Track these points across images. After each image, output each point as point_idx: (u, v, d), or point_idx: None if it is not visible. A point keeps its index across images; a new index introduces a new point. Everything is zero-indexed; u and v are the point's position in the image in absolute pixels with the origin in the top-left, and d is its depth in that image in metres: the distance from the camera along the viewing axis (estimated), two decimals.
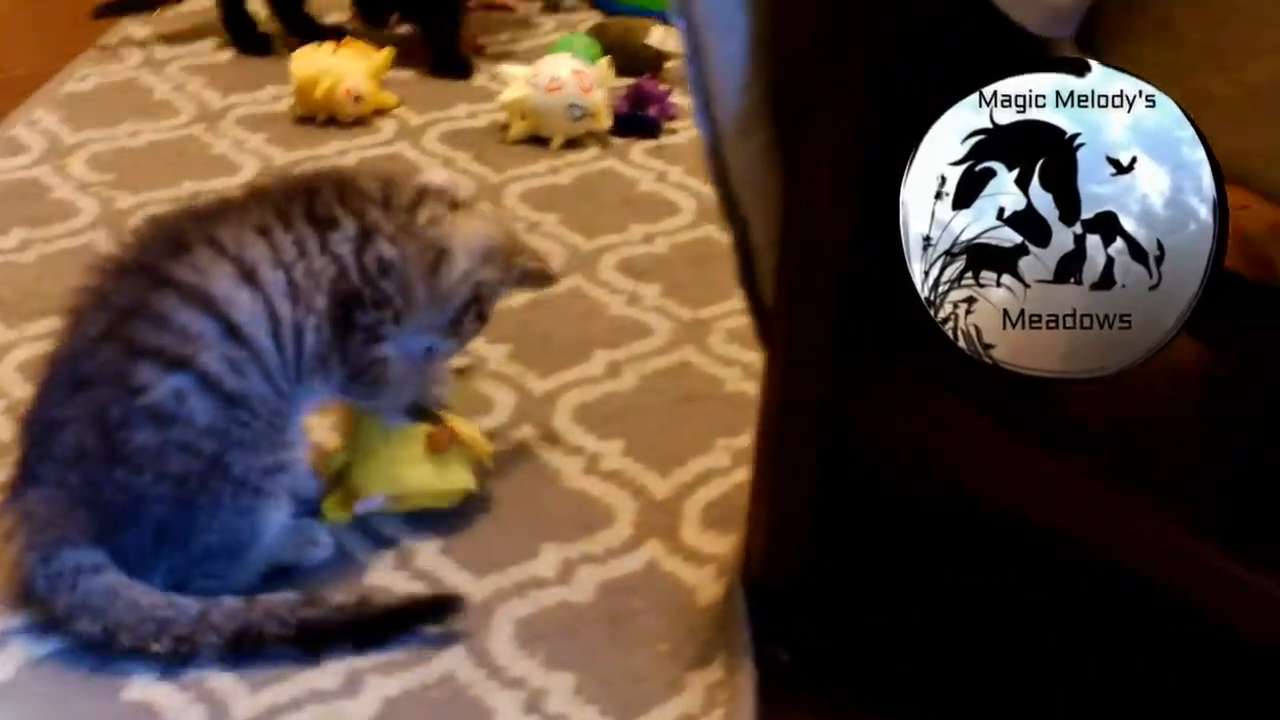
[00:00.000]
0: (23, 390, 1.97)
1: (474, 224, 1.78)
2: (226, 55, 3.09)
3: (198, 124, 2.80)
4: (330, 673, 1.57)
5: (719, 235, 2.42)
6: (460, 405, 1.90)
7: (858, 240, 1.45)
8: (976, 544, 1.71)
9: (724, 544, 1.77)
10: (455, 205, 1.78)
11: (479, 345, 2.12)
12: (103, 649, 1.58)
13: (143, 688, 1.55)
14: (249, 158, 2.68)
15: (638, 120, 2.82)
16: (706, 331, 2.21)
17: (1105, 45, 1.30)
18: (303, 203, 1.68)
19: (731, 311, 2.22)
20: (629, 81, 2.90)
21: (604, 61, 2.84)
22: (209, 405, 1.58)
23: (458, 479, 1.80)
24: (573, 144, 2.77)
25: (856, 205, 1.41)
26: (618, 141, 2.79)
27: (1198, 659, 1.59)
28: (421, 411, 1.81)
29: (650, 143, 2.79)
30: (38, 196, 2.52)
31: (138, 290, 1.60)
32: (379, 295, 1.68)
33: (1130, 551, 1.36)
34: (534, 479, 1.88)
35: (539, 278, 1.88)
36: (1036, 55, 1.42)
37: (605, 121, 2.77)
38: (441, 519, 1.79)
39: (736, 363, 2.13)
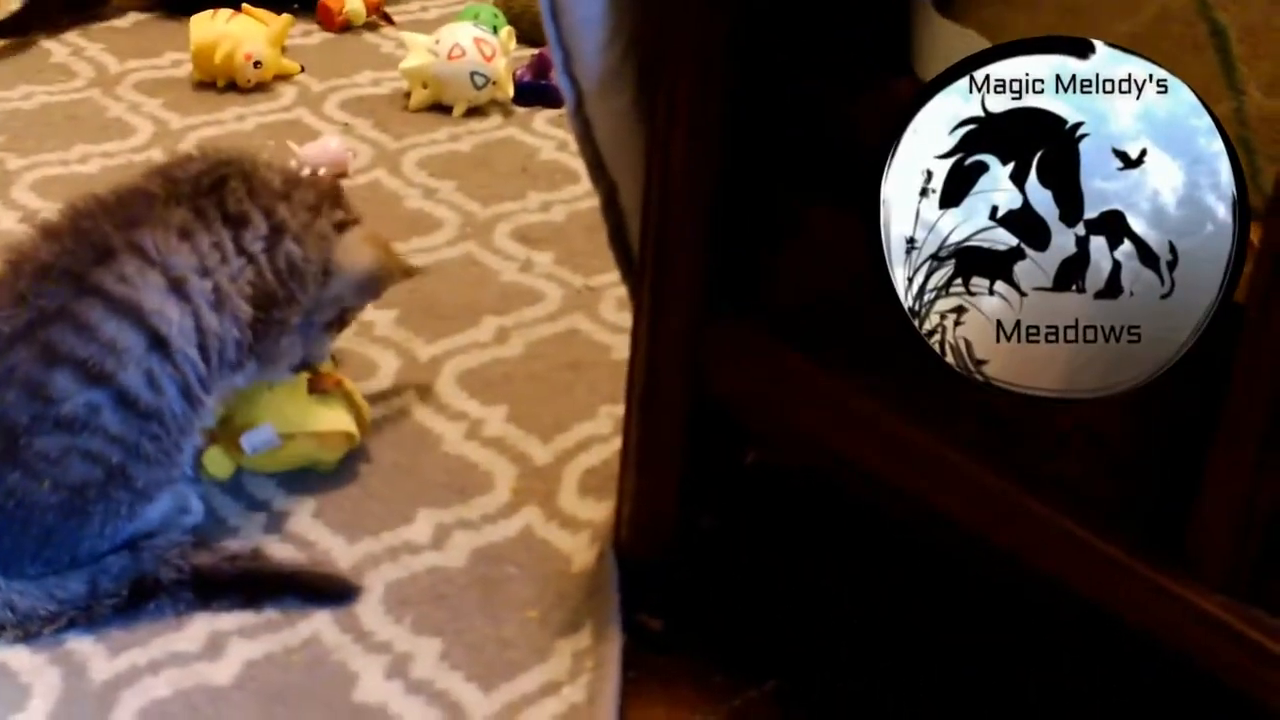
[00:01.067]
0: None
1: (359, 251, 1.77)
2: (127, 21, 3.05)
3: (94, 88, 2.76)
4: (190, 636, 1.55)
5: None
6: (340, 367, 1.89)
7: (724, 202, 1.44)
8: (849, 515, 1.71)
9: (601, 511, 1.75)
10: (344, 223, 1.77)
11: (367, 311, 2.10)
12: None
13: None
14: (144, 121, 2.64)
15: (540, 89, 2.80)
16: (597, 299, 2.19)
17: (962, 7, 1.29)
18: (215, 199, 1.64)
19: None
20: (533, 51, 2.89)
21: (506, 30, 2.83)
22: (121, 418, 1.55)
23: (340, 420, 1.78)
24: (475, 112, 2.75)
25: (719, 167, 1.40)
26: (521, 111, 2.78)
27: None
28: (305, 366, 1.80)
29: (553, 112, 2.77)
30: None
31: (61, 295, 1.54)
32: (288, 293, 1.67)
33: (999, 527, 1.35)
34: (413, 444, 1.87)
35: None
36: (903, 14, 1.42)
37: (508, 90, 2.75)
38: (316, 483, 1.78)
39: (625, 330, 2.09)
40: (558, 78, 1.48)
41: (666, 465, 1.56)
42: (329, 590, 1.63)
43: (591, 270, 2.26)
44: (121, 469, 1.56)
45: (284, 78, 2.83)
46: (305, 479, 1.78)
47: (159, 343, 1.55)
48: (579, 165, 2.52)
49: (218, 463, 1.77)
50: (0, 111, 2.64)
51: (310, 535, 1.70)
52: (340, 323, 1.81)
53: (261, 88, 2.79)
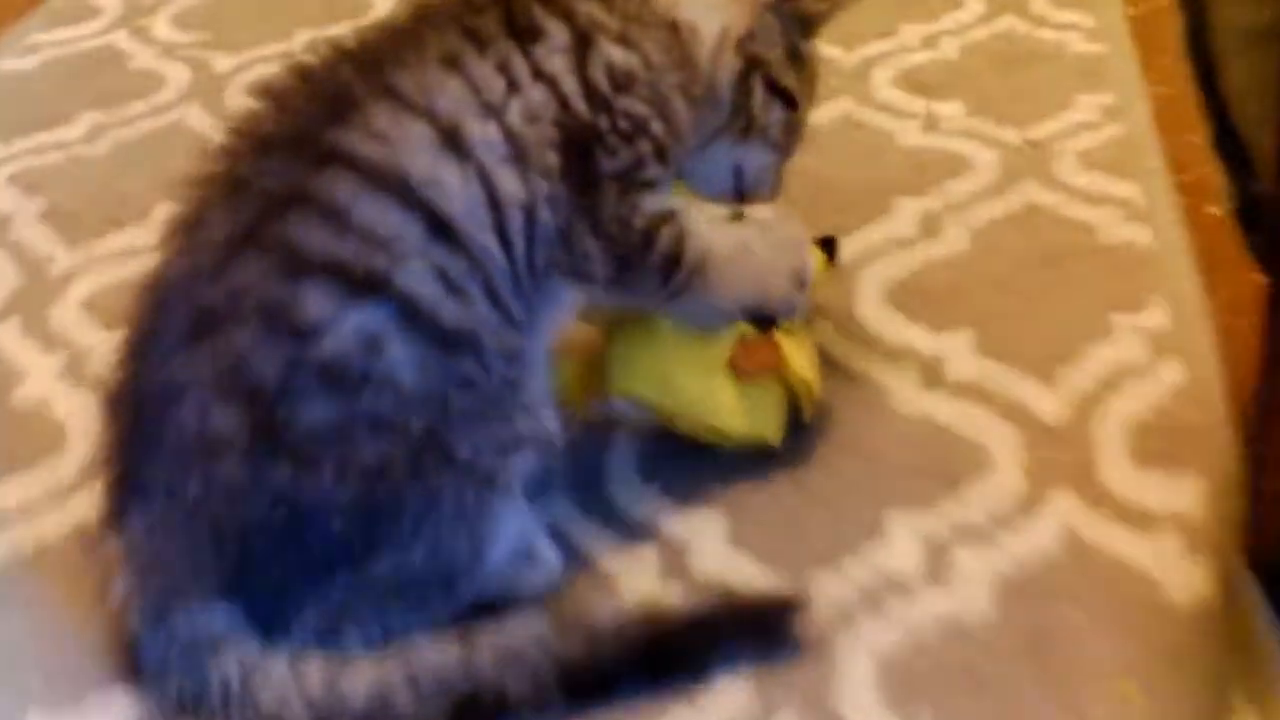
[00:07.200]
0: (93, 336, 1.36)
1: None
2: None
3: None
4: None
5: (1026, 27, 1.78)
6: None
7: None
8: None
9: (1177, 491, 1.11)
10: None
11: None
12: None
13: None
14: None
15: None
16: (1047, 157, 1.55)
17: None
18: (496, 12, 1.08)
19: (1077, 126, 1.59)
20: None
21: None
22: (416, 354, 0.99)
23: (758, 422, 1.16)
24: None
25: None
26: None
27: None
28: (759, 321, 1.16)
29: None
30: (113, 68, 1.92)
31: (292, 171, 1.01)
32: (624, 122, 1.07)
33: None
34: (850, 405, 1.24)
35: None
36: None
37: None
38: (724, 483, 1.16)
39: (1104, 199, 1.47)
40: None
41: None
42: (762, 632, 1.02)
43: (1023, 118, 1.63)
44: (432, 436, 0.99)
45: None
46: (706, 479, 1.16)
47: (440, 227, 1.01)
48: None
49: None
50: (202, 1, 2.06)
51: (731, 575, 1.09)
52: (765, 77, 1.16)
53: None
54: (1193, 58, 1.09)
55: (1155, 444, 1.16)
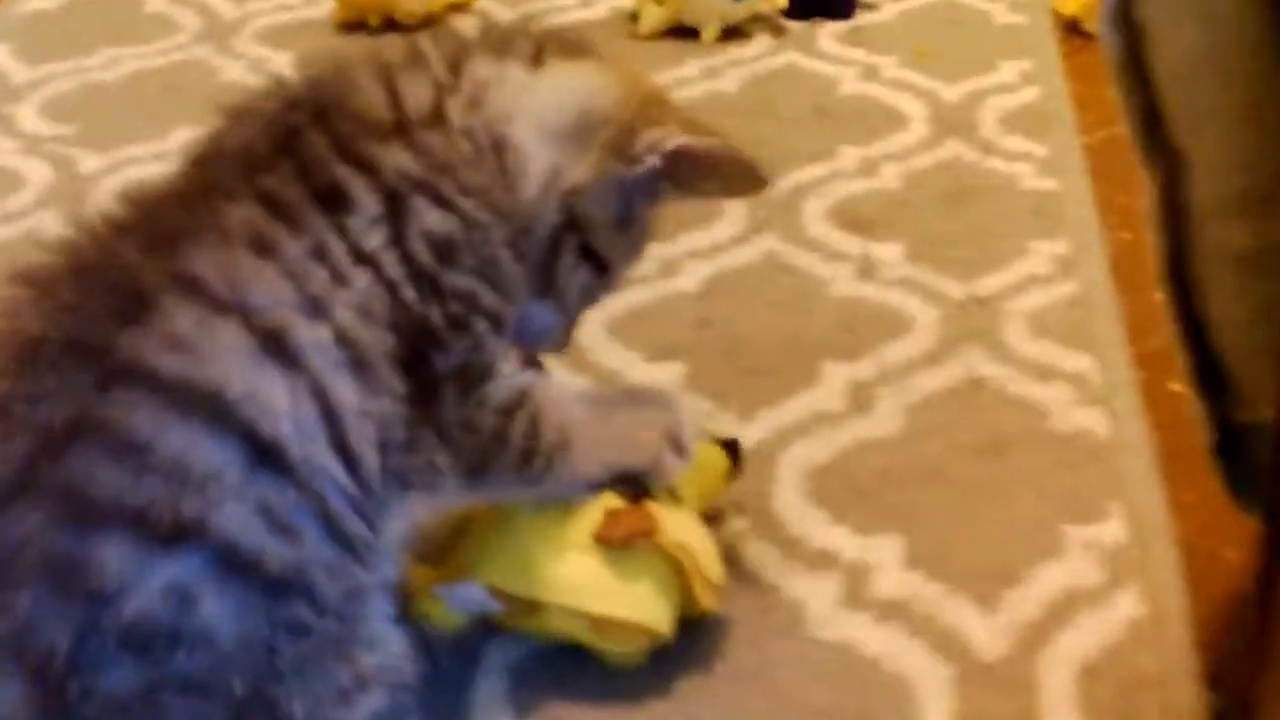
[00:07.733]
0: None
1: (557, 78, 0.99)
2: None
3: (202, 43, 2.01)
4: None
5: (974, 155, 1.63)
6: (697, 497, 1.09)
7: None
8: None
9: None
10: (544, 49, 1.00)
11: (633, 367, 1.31)
12: None
13: None
14: None
15: None
16: (994, 318, 1.39)
17: None
18: (293, 169, 0.90)
19: (1027, 279, 1.44)
20: None
21: None
22: (233, 604, 0.84)
23: (635, 602, 1.00)
24: (733, 35, 1.99)
25: None
26: (796, 27, 2.00)
27: None
28: (628, 483, 1.02)
29: (843, 26, 2.02)
30: None
31: (72, 393, 0.83)
32: (454, 305, 0.92)
33: None
34: (759, 625, 1.07)
35: (727, 167, 1.00)
36: None
37: None
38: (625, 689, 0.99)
39: (1055, 374, 1.31)
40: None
41: None
42: None
43: (971, 268, 1.47)
44: (257, 697, 0.84)
45: (460, 7, 2.08)
46: (582, 710, 0.99)
47: (264, 452, 0.84)
48: (902, 100, 1.78)
49: (435, 606, 1.02)
50: (75, 88, 1.88)
51: None
52: (581, 241, 0.99)
53: (432, 23, 2.02)
54: (1171, 281, 0.95)
55: (1105, 694, 1.00)
